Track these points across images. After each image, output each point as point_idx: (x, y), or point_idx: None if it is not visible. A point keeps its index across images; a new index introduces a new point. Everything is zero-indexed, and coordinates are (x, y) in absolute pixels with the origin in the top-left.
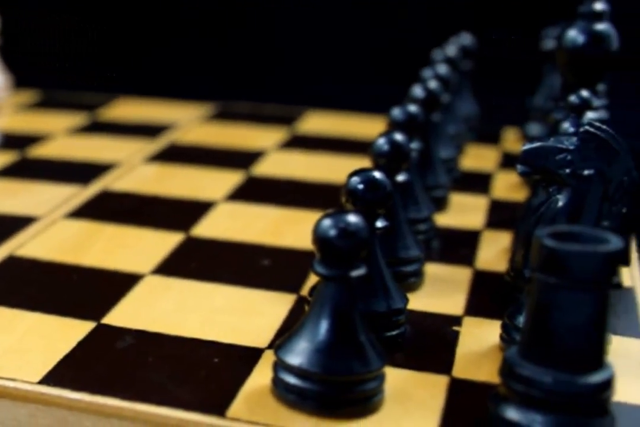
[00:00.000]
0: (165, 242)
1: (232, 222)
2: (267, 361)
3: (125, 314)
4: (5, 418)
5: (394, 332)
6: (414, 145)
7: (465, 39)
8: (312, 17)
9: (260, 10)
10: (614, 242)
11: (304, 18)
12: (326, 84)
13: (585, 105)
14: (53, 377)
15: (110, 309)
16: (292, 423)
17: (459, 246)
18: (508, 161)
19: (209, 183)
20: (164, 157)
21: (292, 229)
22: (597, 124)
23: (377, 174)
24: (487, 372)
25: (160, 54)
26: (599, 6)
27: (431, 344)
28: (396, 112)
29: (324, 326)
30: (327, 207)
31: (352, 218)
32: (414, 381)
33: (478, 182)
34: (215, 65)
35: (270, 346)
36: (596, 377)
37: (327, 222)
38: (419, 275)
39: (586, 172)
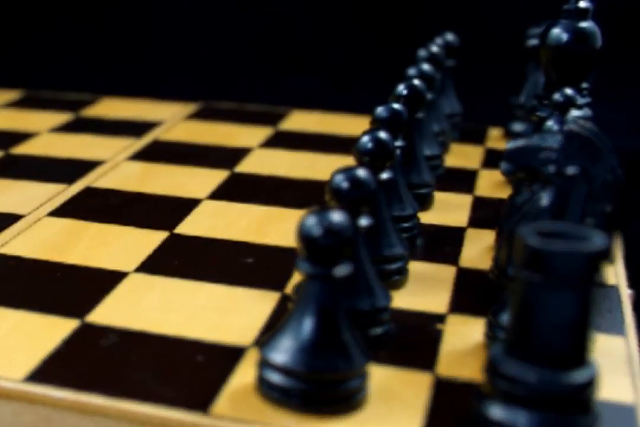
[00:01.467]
0: (149, 240)
1: (215, 220)
2: (251, 359)
3: (109, 312)
4: None
5: (378, 330)
6: (398, 143)
7: (450, 37)
8: (314, 21)
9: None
10: (598, 240)
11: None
12: (311, 85)
13: (569, 103)
14: (37, 375)
15: (94, 307)
16: (276, 420)
17: (443, 244)
18: (492, 159)
19: (193, 181)
20: (147, 155)
21: (276, 227)
22: (581, 122)
23: (361, 172)
24: (471, 370)
25: (144, 54)
26: (583, 4)
27: (415, 342)
28: (380, 109)
29: (308, 324)
30: (311, 205)
31: (337, 216)
32: (398, 379)
33: (462, 180)
34: (197, 65)
35: (254, 344)
36: (580, 375)
37: (311, 220)
38: (403, 273)
39: (570, 170)
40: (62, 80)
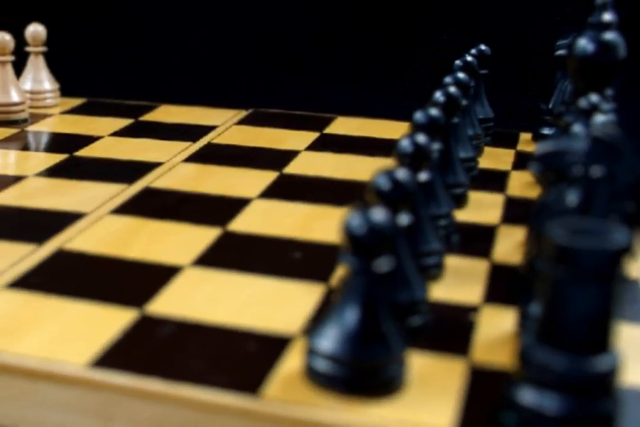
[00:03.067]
0: (203, 236)
1: (265, 218)
2: (298, 347)
3: (166, 303)
4: (55, 400)
5: (416, 321)
6: (435, 146)
7: (483, 48)
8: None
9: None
10: (620, 236)
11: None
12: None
13: (594, 108)
14: (99, 362)
15: (152, 299)
16: (322, 403)
17: (477, 240)
18: (522, 161)
19: (244, 182)
20: (202, 158)
21: (321, 224)
22: (606, 126)
23: (401, 173)
24: (504, 358)
25: (198, 66)
26: (607, 17)
27: (451, 331)
28: (419, 115)
29: (351, 315)
30: (354, 204)
31: (378, 214)
32: (435, 366)
33: (494, 181)
34: (249, 74)
35: (301, 333)
36: (604, 362)
37: (354, 218)
38: (439, 267)
39: (595, 171)
40: (123, 89)
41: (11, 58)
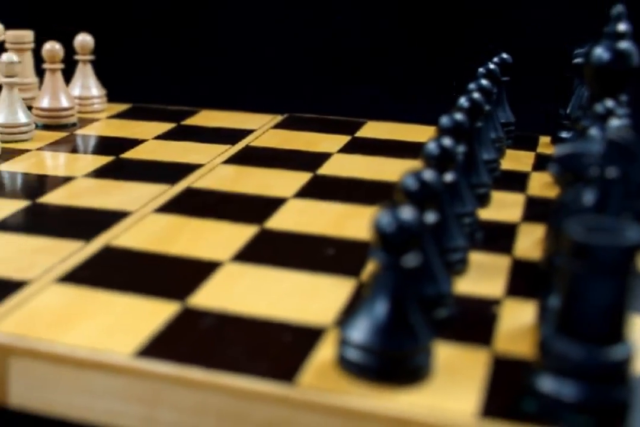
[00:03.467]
0: (241, 233)
1: (300, 217)
2: (331, 338)
3: (206, 297)
4: (102, 388)
5: (442, 313)
6: (460, 148)
7: (505, 56)
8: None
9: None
10: (634, 233)
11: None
12: (380, 99)
13: (610, 113)
14: (144, 352)
15: (194, 292)
16: (354, 391)
17: (499, 237)
18: (542, 163)
19: (280, 182)
20: (240, 160)
21: (353, 222)
22: (620, 130)
23: (428, 174)
24: (524, 348)
25: (237, 73)
26: (621, 27)
27: (475, 322)
28: (445, 119)
29: (380, 308)
30: (383, 203)
31: (406, 212)
32: (460, 355)
33: (516, 181)
34: (284, 81)
35: (333, 325)
36: (619, 351)
37: (384, 216)
38: (464, 262)
39: (610, 172)
40: (166, 95)
41: (61, 66)
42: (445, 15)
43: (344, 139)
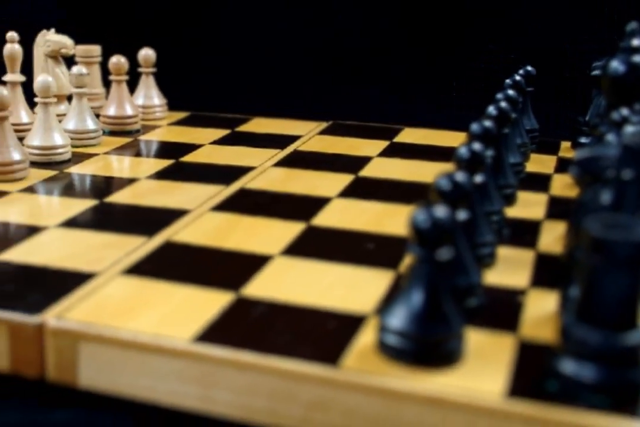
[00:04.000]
0: (290, 230)
1: (343, 215)
2: (371, 324)
3: (258, 287)
4: (164, 370)
5: (472, 302)
6: (489, 152)
7: (529, 68)
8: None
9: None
10: None
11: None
12: (417, 108)
13: (625, 121)
14: (201, 337)
15: (247, 283)
16: (392, 372)
17: (524, 233)
18: (563, 166)
19: (325, 183)
20: (289, 163)
21: (391, 219)
22: (635, 136)
23: (460, 176)
24: (547, 334)
25: (286, 82)
26: (636, 42)
27: (502, 311)
28: (475, 126)
29: (416, 297)
30: (419, 202)
31: (440, 211)
32: (489, 341)
33: (539, 183)
34: (329, 91)
35: (374, 312)
36: (633, 336)
37: (420, 214)
38: (492, 256)
39: (625, 174)
40: (222, 104)
41: (126, 78)
42: (447, 16)
43: (383, 144)
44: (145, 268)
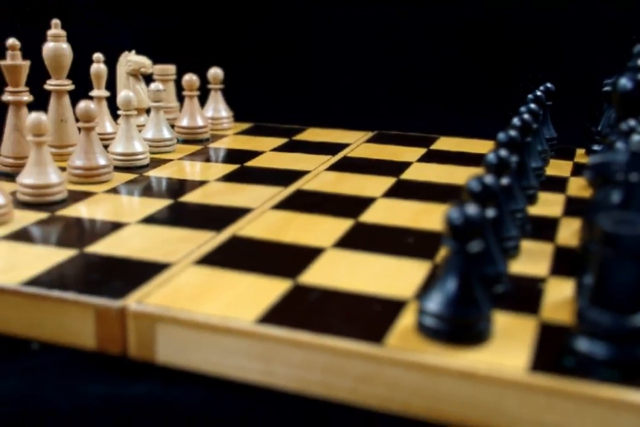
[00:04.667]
0: (340, 226)
1: (386, 212)
2: (411, 308)
3: (312, 276)
4: (231, 347)
5: (499, 288)
6: (514, 158)
7: (549, 85)
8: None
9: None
10: None
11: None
12: (451, 119)
13: (632, 130)
14: (263, 319)
15: (302, 272)
16: (430, 349)
17: (544, 228)
18: (578, 170)
19: (371, 185)
20: (339, 167)
21: (428, 217)
22: None
23: (488, 178)
24: (565, 316)
25: (337, 96)
26: None
27: (525, 296)
28: (501, 135)
29: (450, 284)
30: (453, 202)
31: (471, 209)
32: (514, 322)
33: (557, 184)
34: (374, 104)
35: (413, 297)
36: (639, 318)
37: (453, 212)
38: (516, 248)
39: (633, 177)
40: (281, 115)
41: (197, 93)
42: (499, 46)
43: (421, 151)
44: (214, 259)
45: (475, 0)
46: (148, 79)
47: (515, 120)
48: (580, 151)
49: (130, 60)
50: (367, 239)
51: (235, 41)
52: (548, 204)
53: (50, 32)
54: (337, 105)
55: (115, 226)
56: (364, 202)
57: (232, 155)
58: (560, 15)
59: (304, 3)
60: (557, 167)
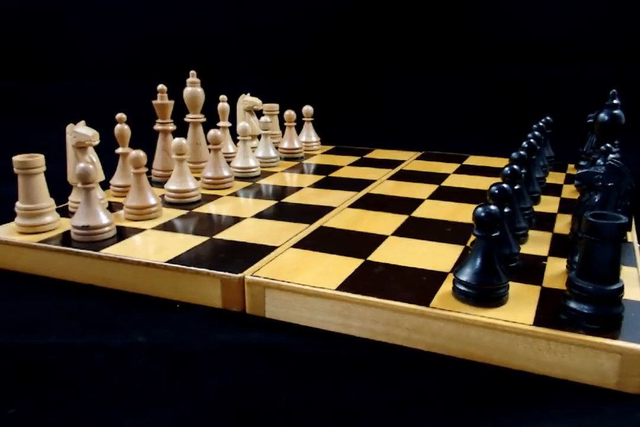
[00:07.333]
0: (398, 219)
1: (431, 209)
2: (449, 278)
3: (378, 255)
4: (318, 307)
5: (513, 264)
6: (523, 171)
7: (549, 118)
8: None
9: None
10: (623, 219)
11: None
12: (479, 142)
13: (608, 151)
14: (342, 287)
15: (370, 253)
16: (462, 310)
17: (545, 221)
18: (570, 179)
19: (420, 190)
20: (396, 177)
21: (462, 213)
22: (615, 160)
23: (505, 185)
24: (560, 284)
25: (394, 124)
26: (615, 101)
27: (532, 270)
28: (514, 154)
29: (478, 261)
30: (479, 202)
31: (493, 207)
32: (524, 289)
33: (555, 190)
34: (423, 131)
35: (451, 271)
36: (615, 286)
37: (480, 209)
38: (525, 236)
39: (609, 184)
40: (354, 139)
41: (294, 124)
42: (519, 99)
43: (456, 166)
44: (307, 243)
45: (512, 67)
46: (259, 113)
47: (524, 144)
48: (571, 166)
49: (246, 100)
50: (417, 229)
51: (325, 84)
52: (548, 204)
53: (189, 80)
54: (396, 133)
55: (236, 220)
56: (415, 202)
57: (320, 169)
58: (560, 79)
59: (391, 71)
60: (555, 178)
